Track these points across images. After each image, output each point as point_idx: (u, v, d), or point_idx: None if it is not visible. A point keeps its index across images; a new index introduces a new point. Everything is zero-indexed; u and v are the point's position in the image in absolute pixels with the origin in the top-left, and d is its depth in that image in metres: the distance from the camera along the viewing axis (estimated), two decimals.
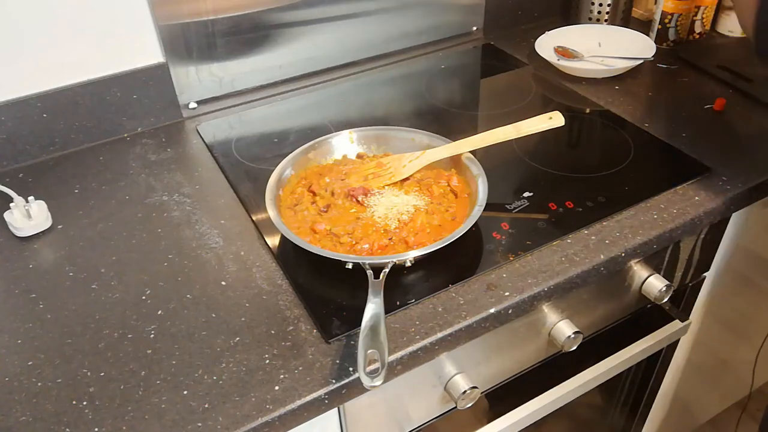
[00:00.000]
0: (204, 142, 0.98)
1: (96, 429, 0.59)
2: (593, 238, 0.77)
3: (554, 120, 0.82)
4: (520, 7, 1.28)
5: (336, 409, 0.68)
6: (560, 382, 0.90)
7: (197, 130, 1.01)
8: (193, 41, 0.99)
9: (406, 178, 0.82)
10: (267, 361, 0.64)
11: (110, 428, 0.59)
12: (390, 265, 0.67)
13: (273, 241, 0.78)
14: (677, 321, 1.03)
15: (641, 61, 1.10)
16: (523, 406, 0.87)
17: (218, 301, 0.71)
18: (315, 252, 0.69)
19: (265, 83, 1.09)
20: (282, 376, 0.62)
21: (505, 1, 1.25)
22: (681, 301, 1.04)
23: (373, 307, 0.62)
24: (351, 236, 0.73)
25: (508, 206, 0.81)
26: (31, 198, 0.81)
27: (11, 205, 0.81)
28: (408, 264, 0.70)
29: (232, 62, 1.04)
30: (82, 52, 0.92)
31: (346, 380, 0.62)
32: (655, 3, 1.20)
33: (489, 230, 0.77)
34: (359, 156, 0.88)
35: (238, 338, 0.66)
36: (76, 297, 0.72)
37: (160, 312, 0.70)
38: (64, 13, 0.89)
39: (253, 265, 0.75)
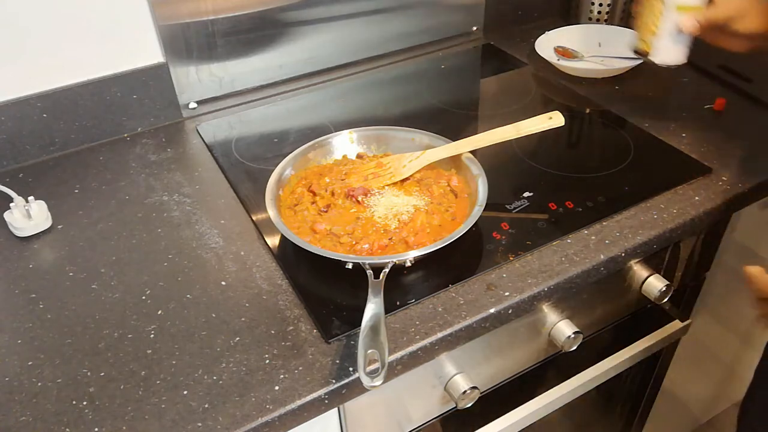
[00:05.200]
0: (204, 142, 0.98)
1: (96, 429, 0.59)
2: (593, 238, 0.77)
3: (554, 120, 0.82)
4: (520, 7, 1.28)
5: (336, 409, 0.68)
6: (560, 382, 0.91)
7: (197, 130, 1.01)
8: (193, 41, 0.99)
9: (406, 178, 0.82)
10: (267, 361, 0.64)
11: (110, 428, 0.59)
12: (390, 265, 0.67)
13: (273, 241, 0.78)
14: (677, 321, 1.03)
15: (641, 61, 1.10)
16: (523, 406, 0.88)
17: (218, 301, 0.71)
18: (315, 252, 0.69)
19: (265, 83, 1.09)
20: (282, 376, 0.62)
21: (505, 1, 1.25)
22: (681, 301, 1.04)
23: (373, 307, 0.62)
24: (351, 236, 0.73)
25: (508, 206, 0.81)
26: (31, 198, 0.81)
27: (11, 205, 0.81)
28: (408, 264, 0.70)
29: (232, 62, 1.04)
30: (82, 52, 0.92)
31: (346, 380, 0.62)
32: None
33: (489, 230, 0.77)
34: (359, 156, 0.88)
35: (238, 338, 0.66)
36: (76, 297, 0.72)
37: (160, 312, 0.70)
38: (64, 13, 0.89)
39: (253, 265, 0.75)
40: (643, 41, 0.78)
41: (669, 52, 0.77)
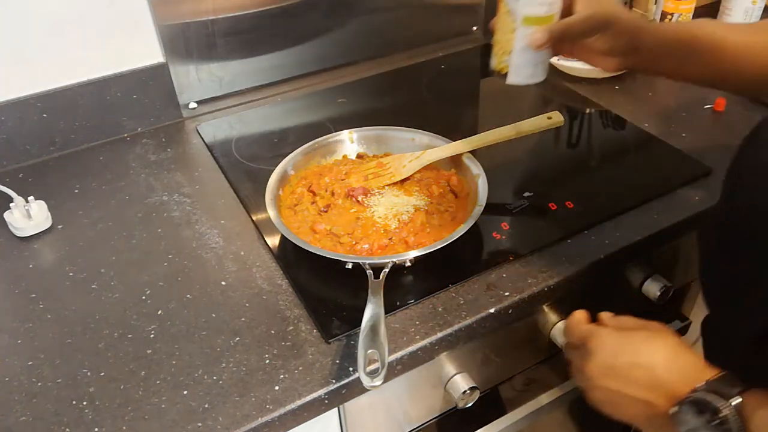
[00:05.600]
0: (204, 142, 0.98)
1: (96, 429, 0.59)
2: (593, 238, 0.77)
3: (554, 120, 0.82)
4: None
5: (336, 409, 0.68)
6: (561, 383, 0.91)
7: (197, 130, 1.01)
8: (193, 41, 0.99)
9: (406, 178, 0.82)
10: (267, 361, 0.64)
11: (110, 428, 0.59)
12: (390, 265, 0.67)
13: (273, 241, 0.78)
14: (677, 321, 1.03)
15: None
16: (523, 406, 0.88)
17: (218, 301, 0.71)
18: (315, 252, 0.69)
19: (265, 83, 1.09)
20: (282, 376, 0.62)
21: None
22: (681, 301, 1.04)
23: (373, 307, 0.62)
24: (351, 236, 0.73)
25: (508, 206, 0.81)
26: (31, 198, 0.81)
27: (11, 205, 0.81)
28: (408, 264, 0.70)
29: (232, 62, 1.04)
30: (82, 52, 0.92)
31: (346, 380, 0.62)
32: (655, 3, 1.20)
33: (489, 230, 0.77)
34: (359, 156, 0.88)
35: (238, 338, 0.66)
36: (76, 297, 0.72)
37: (160, 312, 0.70)
38: (64, 14, 0.89)
39: (253, 265, 0.75)
40: (499, 60, 0.69)
41: (524, 70, 0.68)
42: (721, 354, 0.60)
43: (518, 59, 0.68)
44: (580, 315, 0.65)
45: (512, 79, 0.69)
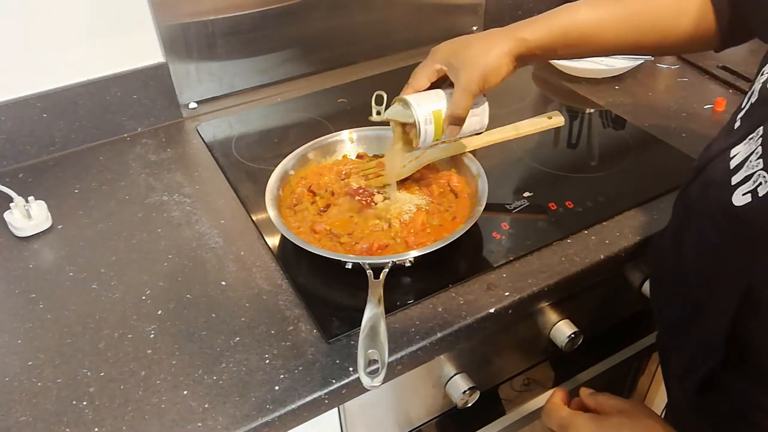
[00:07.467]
0: (204, 142, 0.98)
1: (96, 429, 0.59)
2: (593, 238, 0.77)
3: (554, 120, 0.82)
4: (520, 8, 1.28)
5: (336, 409, 0.68)
6: (561, 382, 0.91)
7: (197, 130, 1.01)
8: (193, 41, 0.99)
9: (406, 178, 0.82)
10: (267, 361, 0.64)
11: (110, 428, 0.59)
12: (390, 265, 0.67)
13: (273, 241, 0.78)
14: None
15: (641, 61, 1.10)
16: (523, 406, 0.88)
17: (218, 301, 0.71)
18: (315, 252, 0.69)
19: (265, 83, 1.09)
20: (282, 376, 0.62)
21: (505, 1, 1.25)
22: None
23: (372, 307, 0.62)
24: (351, 236, 0.73)
25: (508, 206, 0.81)
26: (31, 198, 0.81)
27: (11, 205, 0.81)
28: (408, 264, 0.70)
29: (232, 62, 1.04)
30: (82, 52, 0.92)
31: (346, 380, 0.62)
32: None
33: (489, 230, 0.77)
34: (359, 156, 0.88)
35: (238, 338, 0.66)
36: (76, 297, 0.72)
37: (160, 312, 0.70)
38: (64, 13, 0.89)
39: (253, 265, 0.75)
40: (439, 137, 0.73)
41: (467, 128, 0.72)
42: (672, 380, 0.60)
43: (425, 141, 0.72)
44: (557, 399, 0.65)
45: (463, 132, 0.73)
